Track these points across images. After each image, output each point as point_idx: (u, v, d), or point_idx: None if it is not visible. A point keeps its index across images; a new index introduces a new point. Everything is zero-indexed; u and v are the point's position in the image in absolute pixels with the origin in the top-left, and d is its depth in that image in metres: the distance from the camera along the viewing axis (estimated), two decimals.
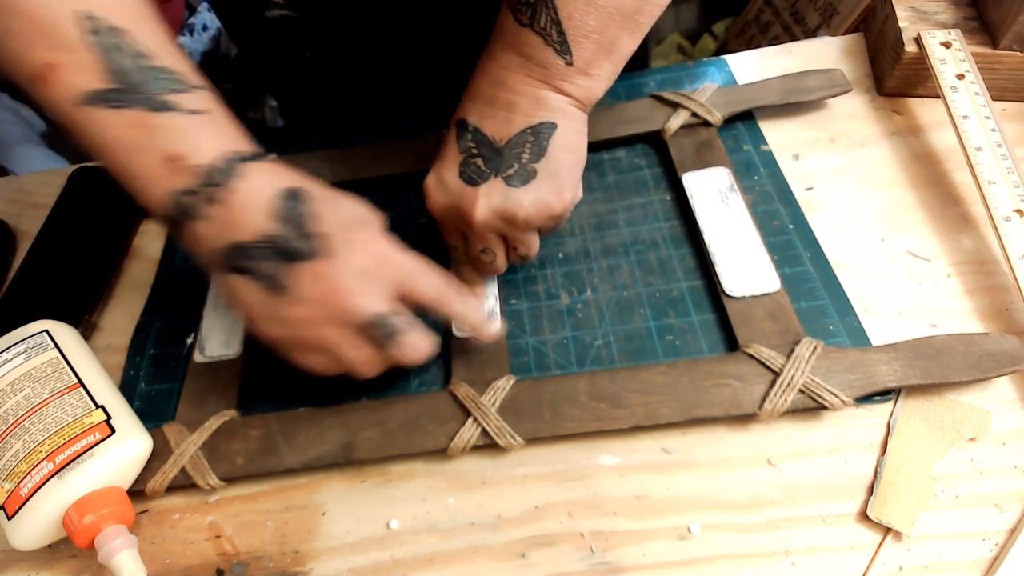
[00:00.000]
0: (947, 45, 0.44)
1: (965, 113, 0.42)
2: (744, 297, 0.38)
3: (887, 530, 0.31)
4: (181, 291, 0.45)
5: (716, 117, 0.46)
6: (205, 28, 1.32)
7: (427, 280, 0.34)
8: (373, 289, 0.32)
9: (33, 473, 0.32)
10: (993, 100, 0.42)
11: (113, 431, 0.34)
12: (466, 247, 0.38)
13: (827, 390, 0.33)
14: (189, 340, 0.42)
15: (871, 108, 0.48)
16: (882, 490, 0.32)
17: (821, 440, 0.34)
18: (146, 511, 0.36)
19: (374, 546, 0.34)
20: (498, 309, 0.40)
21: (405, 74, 0.57)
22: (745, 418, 0.35)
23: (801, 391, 0.34)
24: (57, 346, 0.37)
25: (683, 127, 0.47)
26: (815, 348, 0.35)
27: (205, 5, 1.33)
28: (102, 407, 0.35)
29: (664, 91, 0.48)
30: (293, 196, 0.32)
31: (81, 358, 0.37)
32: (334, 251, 0.31)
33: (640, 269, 0.41)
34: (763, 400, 0.34)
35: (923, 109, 0.47)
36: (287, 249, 0.31)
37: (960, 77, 0.43)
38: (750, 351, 0.36)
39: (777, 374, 0.34)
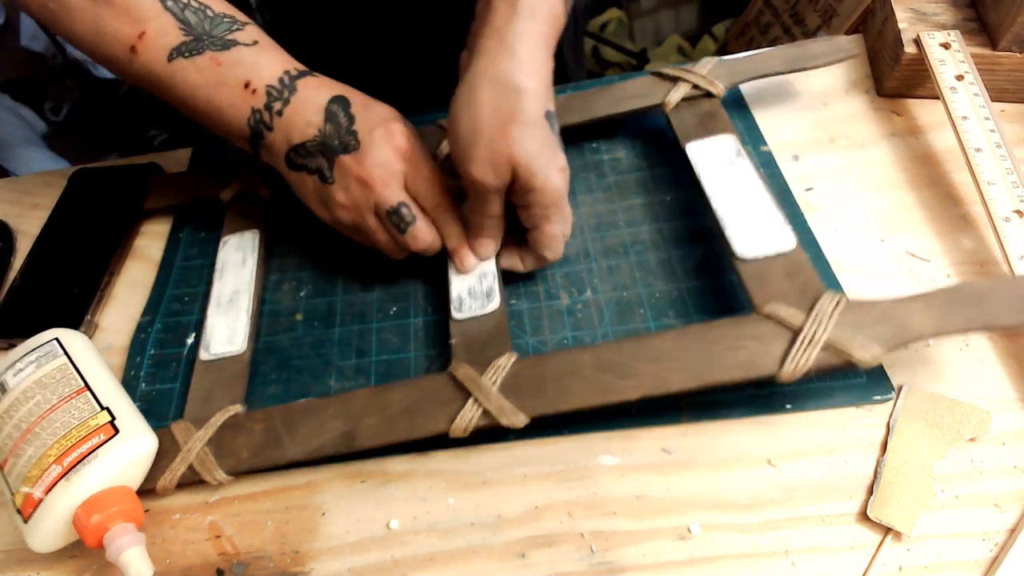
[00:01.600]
0: (946, 46, 0.45)
1: (964, 114, 0.42)
2: (758, 259, 0.36)
3: (887, 530, 0.31)
4: (181, 291, 0.45)
5: (718, 88, 0.45)
6: None
7: (428, 187, 0.39)
8: (391, 180, 0.38)
9: (44, 477, 0.32)
10: (992, 101, 0.42)
11: (117, 431, 0.34)
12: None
13: (855, 344, 0.31)
14: (189, 340, 0.42)
15: (871, 109, 0.48)
16: (882, 490, 0.32)
17: (821, 440, 0.34)
18: (147, 511, 0.36)
19: (374, 546, 0.34)
20: (496, 286, 0.39)
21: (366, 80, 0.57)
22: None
23: (825, 348, 0.31)
24: (66, 353, 0.37)
25: (684, 100, 0.45)
26: (838, 302, 0.32)
27: None
28: (107, 408, 0.35)
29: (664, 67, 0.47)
30: (338, 101, 0.38)
31: (89, 362, 0.37)
32: (365, 145, 0.37)
33: (640, 269, 0.42)
34: (783, 359, 0.31)
35: (922, 110, 0.47)
36: (331, 145, 0.37)
37: (959, 78, 0.43)
38: (767, 311, 0.33)
39: (797, 331, 0.32)
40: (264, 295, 0.44)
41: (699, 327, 0.34)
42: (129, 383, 0.41)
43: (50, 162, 1.36)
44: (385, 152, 0.37)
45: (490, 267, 0.40)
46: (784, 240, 0.36)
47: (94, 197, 0.50)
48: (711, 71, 0.46)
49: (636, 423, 0.35)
